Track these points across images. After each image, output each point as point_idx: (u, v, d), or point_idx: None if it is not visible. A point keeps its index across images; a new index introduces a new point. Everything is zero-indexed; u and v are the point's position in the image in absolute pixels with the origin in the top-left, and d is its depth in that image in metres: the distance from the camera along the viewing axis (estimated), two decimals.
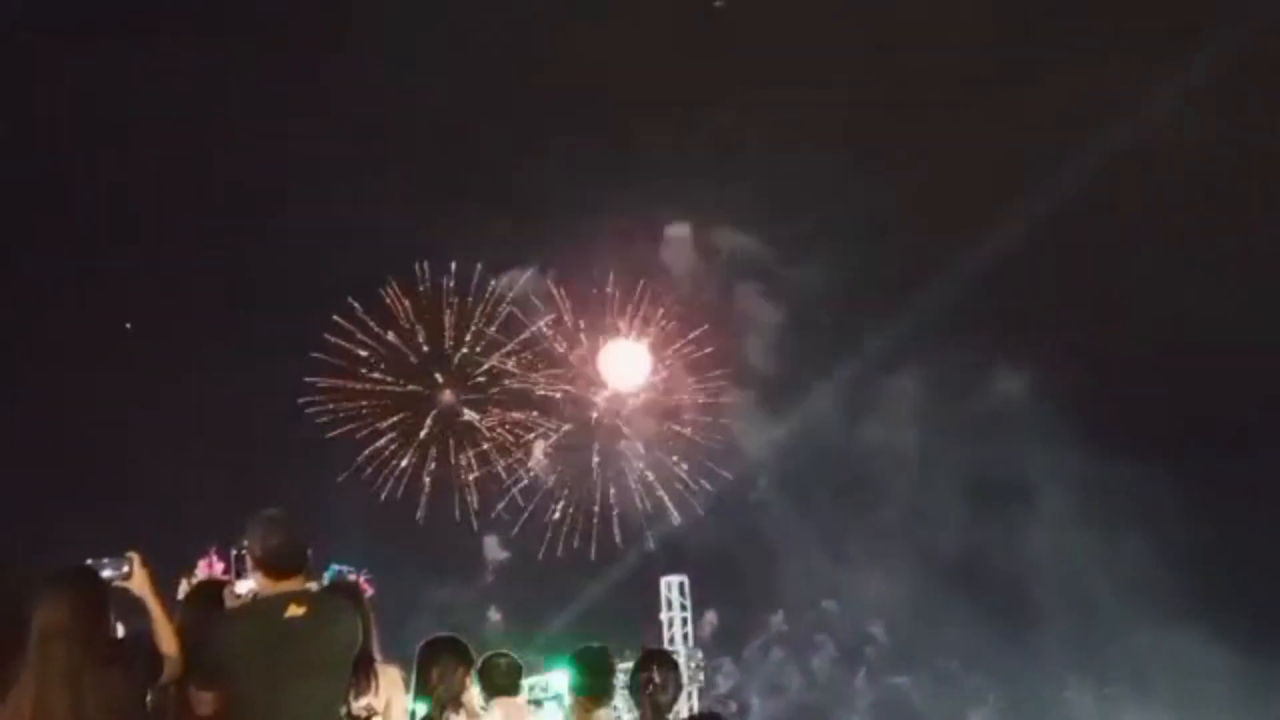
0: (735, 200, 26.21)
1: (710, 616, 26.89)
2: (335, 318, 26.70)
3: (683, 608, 22.96)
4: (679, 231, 27.06)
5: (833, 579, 26.17)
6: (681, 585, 23.18)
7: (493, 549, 27.21)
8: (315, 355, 26.62)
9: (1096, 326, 25.16)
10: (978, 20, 25.12)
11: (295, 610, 5.50)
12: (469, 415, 27.46)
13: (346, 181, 26.34)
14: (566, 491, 27.34)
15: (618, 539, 26.84)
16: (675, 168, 25.94)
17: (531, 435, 27.58)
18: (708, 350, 27.31)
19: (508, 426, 27.57)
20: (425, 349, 27.43)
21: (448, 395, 27.34)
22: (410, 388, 27.34)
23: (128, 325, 25.93)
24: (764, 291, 26.42)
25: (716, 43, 26.57)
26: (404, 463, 27.07)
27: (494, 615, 26.94)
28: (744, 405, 26.90)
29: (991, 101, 25.85)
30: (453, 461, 27.37)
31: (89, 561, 5.35)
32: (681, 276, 27.25)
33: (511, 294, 27.57)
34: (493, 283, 27.55)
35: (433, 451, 27.19)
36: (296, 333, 26.65)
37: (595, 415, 27.77)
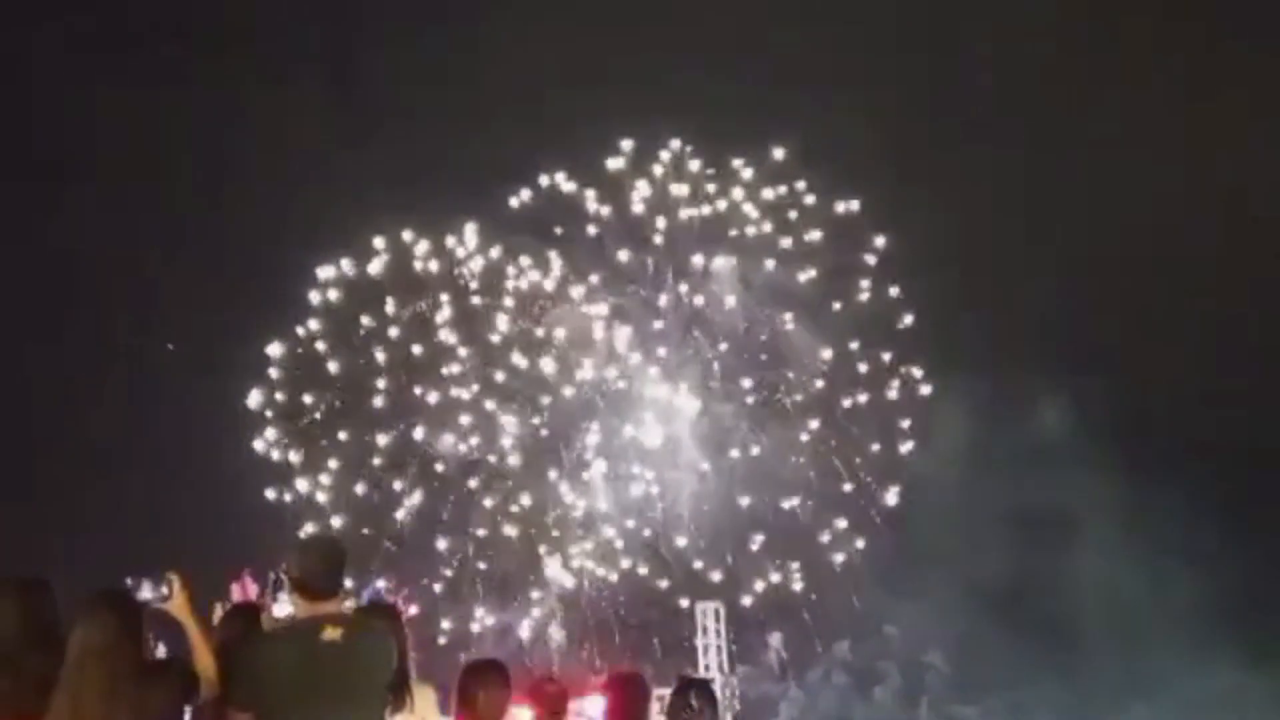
0: None
1: (775, 641, 26.75)
2: None
3: (718, 634, 22.82)
4: (723, 264, 26.85)
5: (892, 607, 25.96)
6: (717, 611, 23.06)
7: (555, 570, 27.04)
8: None
9: (1142, 355, 24.75)
10: (1034, 48, 25.03)
11: (331, 634, 5.55)
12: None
13: None
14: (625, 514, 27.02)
15: (672, 562, 26.54)
16: None
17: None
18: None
19: None
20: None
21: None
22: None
23: (169, 346, 25.79)
24: (808, 323, 26.34)
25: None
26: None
27: (557, 634, 26.86)
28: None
29: (1038, 132, 25.77)
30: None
31: (128, 581, 5.47)
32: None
33: None
34: None
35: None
36: None
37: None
